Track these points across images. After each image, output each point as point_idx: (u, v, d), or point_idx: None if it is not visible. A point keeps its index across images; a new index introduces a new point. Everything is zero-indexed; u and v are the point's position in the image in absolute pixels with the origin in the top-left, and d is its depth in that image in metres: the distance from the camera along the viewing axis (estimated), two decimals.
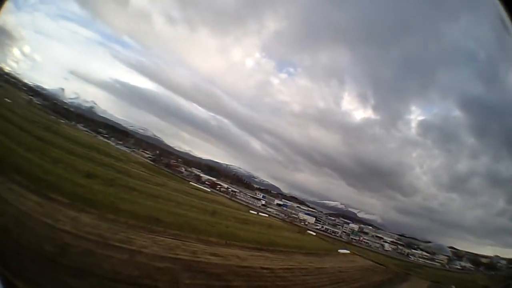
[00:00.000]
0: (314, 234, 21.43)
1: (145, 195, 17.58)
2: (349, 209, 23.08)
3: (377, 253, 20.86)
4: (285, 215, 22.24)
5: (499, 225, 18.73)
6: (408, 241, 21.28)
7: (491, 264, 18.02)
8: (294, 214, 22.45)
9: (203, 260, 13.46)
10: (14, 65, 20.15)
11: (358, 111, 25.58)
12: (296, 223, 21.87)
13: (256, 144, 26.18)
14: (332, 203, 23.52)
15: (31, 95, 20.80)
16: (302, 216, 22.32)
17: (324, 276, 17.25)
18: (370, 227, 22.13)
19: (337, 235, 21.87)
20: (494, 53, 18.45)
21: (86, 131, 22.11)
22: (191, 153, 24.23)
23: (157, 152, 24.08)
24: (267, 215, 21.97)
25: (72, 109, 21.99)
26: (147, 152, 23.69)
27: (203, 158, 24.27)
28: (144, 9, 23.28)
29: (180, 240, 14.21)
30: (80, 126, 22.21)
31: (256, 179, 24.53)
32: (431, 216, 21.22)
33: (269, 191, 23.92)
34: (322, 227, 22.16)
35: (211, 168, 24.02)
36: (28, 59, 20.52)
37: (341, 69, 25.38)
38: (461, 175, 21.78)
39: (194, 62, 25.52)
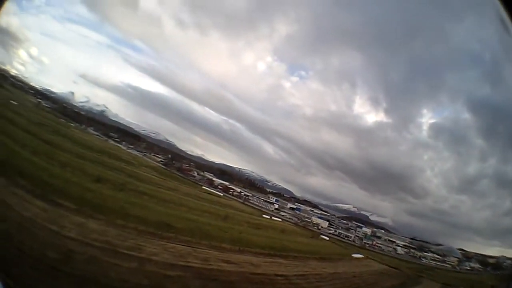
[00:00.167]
0: (327, 238, 21.15)
1: (156, 200, 17.18)
2: (362, 212, 22.84)
3: (390, 257, 20.71)
4: (299, 219, 21.89)
5: (505, 226, 18.61)
6: (420, 244, 21.23)
7: (497, 264, 18.06)
8: (307, 218, 22.15)
9: (215, 268, 12.91)
10: (21, 67, 19.93)
11: (370, 114, 24.66)
12: (310, 228, 21.57)
13: (268, 148, 25.69)
14: (345, 206, 23.22)
15: (40, 98, 20.61)
16: (315, 220, 22.08)
17: (338, 282, 16.90)
18: (383, 231, 21.96)
19: (350, 239, 21.66)
20: (498, 54, 18.02)
21: (97, 135, 21.89)
22: (203, 157, 23.86)
23: (169, 156, 23.83)
24: (280, 220, 21.64)
25: (82, 112, 21.81)
26: (159, 156, 23.39)
27: (216, 162, 23.96)
28: (153, 12, 23.00)
29: (192, 247, 13.67)
30: (90, 129, 21.99)
31: (269, 183, 24.12)
32: (441, 218, 20.97)
33: (282, 194, 23.51)
34: (335, 231, 21.94)
35: (223, 172, 23.75)
36: (35, 62, 20.28)
37: (352, 72, 24.59)
38: (470, 177, 21.39)
39: (206, 66, 25.22)
